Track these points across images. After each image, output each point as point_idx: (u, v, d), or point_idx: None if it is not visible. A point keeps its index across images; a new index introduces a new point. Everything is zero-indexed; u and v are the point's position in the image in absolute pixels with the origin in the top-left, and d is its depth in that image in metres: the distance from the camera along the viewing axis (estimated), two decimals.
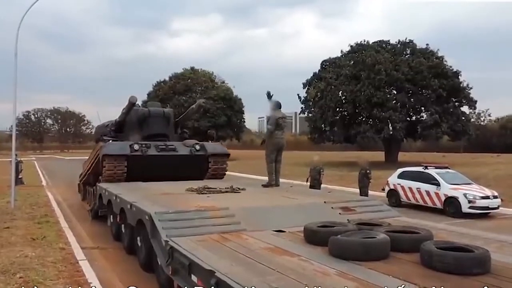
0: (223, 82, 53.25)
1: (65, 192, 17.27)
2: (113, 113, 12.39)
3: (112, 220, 8.88)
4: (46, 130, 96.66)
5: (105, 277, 6.38)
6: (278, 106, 9.28)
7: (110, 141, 10.90)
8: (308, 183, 14.14)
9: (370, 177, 13.93)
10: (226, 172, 12.02)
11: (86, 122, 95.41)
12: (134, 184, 9.58)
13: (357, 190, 13.83)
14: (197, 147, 11.24)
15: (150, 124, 11.85)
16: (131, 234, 7.28)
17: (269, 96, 9.32)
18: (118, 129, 11.85)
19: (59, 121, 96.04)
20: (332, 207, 6.62)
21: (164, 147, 10.87)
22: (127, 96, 11.21)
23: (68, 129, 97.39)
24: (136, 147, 10.43)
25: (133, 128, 11.73)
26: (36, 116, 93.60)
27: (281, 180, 9.85)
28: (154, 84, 52.44)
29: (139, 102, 13.40)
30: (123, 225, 7.83)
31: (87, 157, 12.99)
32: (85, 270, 6.59)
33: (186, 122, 14.74)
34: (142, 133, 11.64)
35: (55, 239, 8.62)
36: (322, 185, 14.61)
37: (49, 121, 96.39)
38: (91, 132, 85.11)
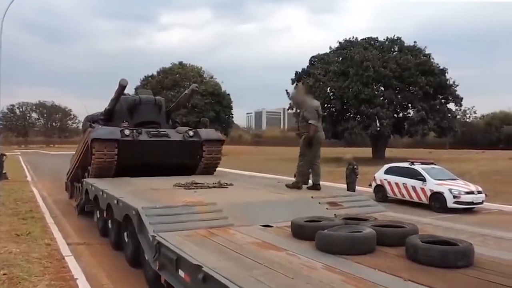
0: (212, 77, 53.21)
1: (51, 187, 17.07)
2: (101, 107, 11.91)
3: (98, 216, 8.79)
4: (31, 125, 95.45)
5: (91, 273, 6.33)
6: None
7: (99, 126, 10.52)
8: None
9: (357, 173, 14.04)
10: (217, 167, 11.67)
11: (72, 116, 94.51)
12: (121, 180, 9.48)
13: (345, 186, 13.91)
14: (191, 133, 10.87)
15: (141, 111, 11.42)
16: (118, 230, 7.23)
17: (300, 76, 8.56)
18: (107, 117, 11.40)
19: (45, 115, 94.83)
20: (319, 202, 6.65)
21: (156, 133, 10.52)
22: (114, 90, 10.88)
23: (54, 123, 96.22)
24: (127, 132, 9.99)
25: (124, 116, 11.22)
26: (21, 110, 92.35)
27: (268, 175, 9.74)
28: (142, 79, 52.19)
29: (129, 93, 12.83)
30: (109, 221, 7.77)
31: (74, 152, 12.69)
32: (71, 266, 6.53)
33: (178, 110, 14.40)
34: (133, 121, 11.13)
35: (40, 235, 8.52)
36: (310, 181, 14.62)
37: (34, 115, 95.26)
38: (78, 126, 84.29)
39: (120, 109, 11.32)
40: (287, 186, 8.12)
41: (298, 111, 41.70)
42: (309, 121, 7.51)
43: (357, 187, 14.05)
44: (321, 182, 7.93)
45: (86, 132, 10.80)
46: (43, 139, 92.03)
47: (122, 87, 10.63)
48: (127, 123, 10.52)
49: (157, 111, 11.74)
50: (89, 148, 9.98)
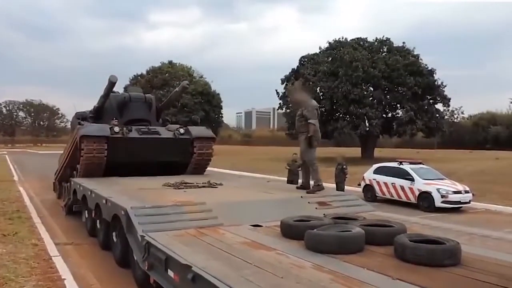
0: (201, 77, 52.98)
1: (38, 187, 16.90)
2: (90, 106, 11.68)
3: (87, 216, 8.73)
4: (18, 123, 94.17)
5: (79, 274, 6.28)
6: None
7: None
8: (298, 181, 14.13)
9: (346, 173, 14.12)
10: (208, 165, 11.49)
11: (60, 115, 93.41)
12: (110, 179, 9.42)
13: (334, 185, 13.97)
14: (181, 130, 10.70)
15: (130, 109, 11.21)
16: (107, 230, 7.18)
17: (298, 74, 8.25)
18: (97, 115, 11.19)
19: (32, 114, 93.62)
20: (308, 202, 6.68)
21: (146, 130, 10.38)
22: (103, 88, 10.74)
23: (41, 122, 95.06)
24: (116, 129, 9.79)
25: (113, 113, 10.97)
26: (7, 108, 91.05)
27: (258, 175, 9.74)
28: (131, 78, 51.77)
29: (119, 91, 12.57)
30: (98, 221, 7.72)
31: (62, 151, 12.53)
32: (59, 267, 6.47)
33: (169, 108, 14.21)
34: (122, 118, 10.93)
35: (27, 235, 8.44)
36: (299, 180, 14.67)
37: (21, 114, 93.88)
38: (66, 126, 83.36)
39: (109, 107, 11.16)
40: (298, 188, 7.99)
41: (296, 110, 41.68)
42: (309, 121, 7.42)
43: (346, 187, 14.12)
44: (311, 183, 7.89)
45: (75, 129, 10.58)
46: (31, 138, 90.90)
47: (111, 83, 10.46)
48: (116, 120, 10.38)
49: (147, 108, 11.59)
50: (78, 146, 9.80)
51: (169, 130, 10.78)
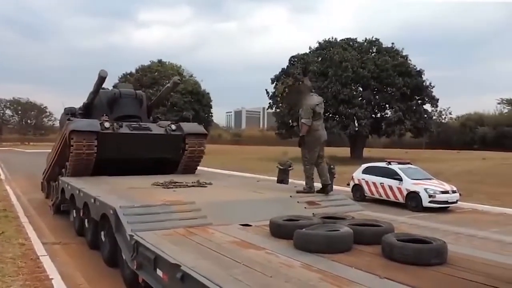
0: (191, 76, 52.84)
1: (25, 186, 16.72)
2: (78, 105, 11.46)
3: (75, 215, 8.67)
4: (5, 122, 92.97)
5: (67, 273, 6.24)
6: (310, 89, 7.81)
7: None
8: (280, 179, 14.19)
9: (334, 173, 14.17)
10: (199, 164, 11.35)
11: (48, 114, 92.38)
12: (98, 179, 9.34)
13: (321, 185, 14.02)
14: (173, 126, 10.55)
15: (121, 105, 10.98)
16: (95, 229, 7.13)
17: (305, 72, 7.92)
18: (86, 112, 10.99)
19: (19, 112, 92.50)
20: (298, 202, 6.70)
21: (137, 126, 10.21)
22: (93, 85, 10.55)
23: (29, 120, 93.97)
24: (107, 124, 9.58)
25: (103, 110, 10.70)
26: None
27: (247, 174, 9.68)
28: (120, 76, 51.37)
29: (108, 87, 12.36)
30: (86, 220, 7.67)
31: (50, 150, 12.35)
32: (46, 266, 6.42)
33: (160, 104, 13.96)
34: (112, 115, 10.64)
35: (14, 235, 8.35)
36: (297, 181, 14.74)
37: (8, 112, 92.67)
38: (53, 124, 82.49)
39: (99, 103, 10.94)
40: (298, 192, 7.41)
41: (278, 110, 41.10)
42: (302, 120, 7.17)
43: (335, 187, 14.19)
44: (291, 180, 7.87)
45: (64, 126, 10.33)
46: (18, 137, 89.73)
47: (101, 78, 10.24)
48: (106, 117, 10.16)
49: (138, 105, 11.39)
50: (67, 142, 9.57)
51: (160, 126, 10.63)
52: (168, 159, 10.66)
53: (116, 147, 9.66)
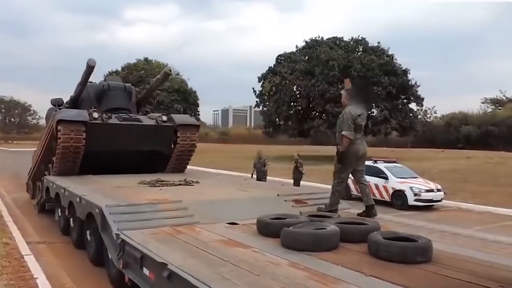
0: (178, 74, 52.49)
1: (9, 184, 16.48)
2: (65, 101, 11.34)
3: (60, 214, 8.57)
4: None
5: (52, 272, 6.17)
6: (354, 94, 6.58)
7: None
8: (255, 177, 14.27)
9: (302, 170, 14.49)
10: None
11: (32, 112, 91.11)
12: (84, 178, 9.24)
13: (310, 183, 14.18)
14: (164, 118, 10.22)
15: (110, 97, 10.57)
16: (80, 228, 7.06)
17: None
18: (73, 105, 10.51)
19: (3, 110, 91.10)
20: (285, 200, 6.72)
21: (127, 117, 9.83)
22: (77, 86, 10.34)
23: (12, 119, 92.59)
24: (95, 115, 9.23)
25: (91, 103, 10.28)
26: None
27: (235, 173, 9.61)
28: (106, 75, 50.58)
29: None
30: (71, 219, 7.59)
31: (35, 149, 12.06)
32: (31, 266, 6.35)
33: (150, 97, 13.59)
34: (101, 108, 10.18)
35: None
36: (277, 179, 14.81)
37: None
38: (38, 122, 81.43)
39: (87, 97, 10.56)
40: (319, 209, 6.38)
41: (265, 109, 41.04)
42: (342, 132, 6.15)
43: (323, 185, 14.29)
44: (279, 179, 7.76)
45: (50, 119, 9.93)
46: (1, 135, 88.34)
47: (90, 67, 9.74)
48: (95, 110, 9.78)
49: (127, 97, 11.03)
50: (54, 133, 9.19)
51: (150, 118, 10.34)
52: (159, 152, 10.37)
53: (105, 138, 9.29)
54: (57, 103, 10.40)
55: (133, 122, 9.85)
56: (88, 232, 6.62)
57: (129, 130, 9.66)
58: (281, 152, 33.38)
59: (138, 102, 11.82)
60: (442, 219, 10.77)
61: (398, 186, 13.10)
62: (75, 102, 10.55)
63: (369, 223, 4.81)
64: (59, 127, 8.92)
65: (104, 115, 9.51)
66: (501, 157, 29.68)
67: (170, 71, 11.09)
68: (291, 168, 14.91)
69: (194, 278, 3.27)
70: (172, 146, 10.53)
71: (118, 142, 9.50)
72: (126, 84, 11.55)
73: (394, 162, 14.90)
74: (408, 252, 3.79)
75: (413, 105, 36.06)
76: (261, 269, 3.53)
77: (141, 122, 9.97)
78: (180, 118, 10.63)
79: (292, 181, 14.43)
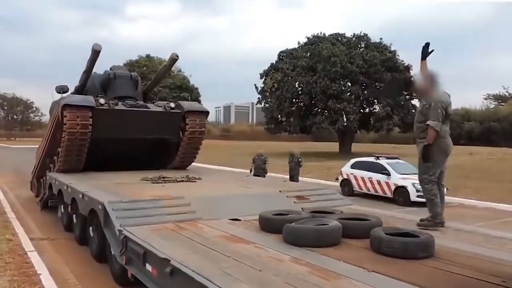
0: (180, 71, 52.48)
1: (12, 181, 16.53)
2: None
3: (63, 211, 8.60)
4: None
5: (55, 268, 6.19)
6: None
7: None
8: (252, 173, 14.27)
9: (301, 165, 14.60)
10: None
11: (34, 109, 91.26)
12: (86, 174, 9.25)
13: (310, 179, 14.20)
14: (172, 104, 9.98)
15: (116, 86, 10.17)
16: (83, 224, 7.09)
17: (426, 52, 5.33)
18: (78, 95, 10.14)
19: (5, 107, 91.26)
20: (287, 196, 6.72)
21: (134, 104, 9.57)
22: (80, 78, 10.18)
23: (15, 116, 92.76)
24: (102, 101, 8.95)
25: (96, 92, 9.89)
26: None
27: (237, 170, 9.50)
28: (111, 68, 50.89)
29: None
30: (74, 215, 7.62)
31: (38, 145, 11.98)
32: (34, 262, 6.37)
33: (157, 85, 13.35)
34: (107, 96, 9.75)
35: (1, 230, 8.27)
36: (279, 175, 14.82)
37: None
38: (40, 119, 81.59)
39: (92, 87, 10.28)
40: (419, 225, 5.24)
41: (267, 105, 41.28)
42: (428, 122, 5.10)
43: (324, 181, 14.33)
44: (279, 175, 7.73)
45: (55, 109, 9.63)
46: (4, 132, 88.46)
47: (96, 52, 9.42)
48: (102, 96, 9.54)
49: (133, 86, 10.70)
50: (59, 122, 8.92)
51: (158, 105, 10.14)
52: (167, 140, 10.20)
53: (112, 125, 9.04)
54: (62, 90, 10.17)
55: (141, 108, 9.63)
56: (91, 228, 6.64)
57: (137, 117, 9.41)
58: (283, 149, 33.39)
59: (145, 93, 11.55)
60: (444, 215, 10.74)
61: (401, 182, 13.08)
62: (80, 92, 10.21)
63: (371, 219, 4.81)
64: (64, 113, 8.60)
65: (111, 101, 9.26)
66: (503, 153, 29.59)
67: (177, 56, 10.82)
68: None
69: (196, 273, 3.28)
70: (180, 135, 10.31)
71: (125, 130, 9.27)
72: (132, 73, 11.24)
73: (397, 158, 14.90)
74: (410, 248, 3.79)
75: (415, 101, 35.99)
76: (263, 265, 3.54)
77: (149, 108, 9.77)
78: (189, 104, 10.43)
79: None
